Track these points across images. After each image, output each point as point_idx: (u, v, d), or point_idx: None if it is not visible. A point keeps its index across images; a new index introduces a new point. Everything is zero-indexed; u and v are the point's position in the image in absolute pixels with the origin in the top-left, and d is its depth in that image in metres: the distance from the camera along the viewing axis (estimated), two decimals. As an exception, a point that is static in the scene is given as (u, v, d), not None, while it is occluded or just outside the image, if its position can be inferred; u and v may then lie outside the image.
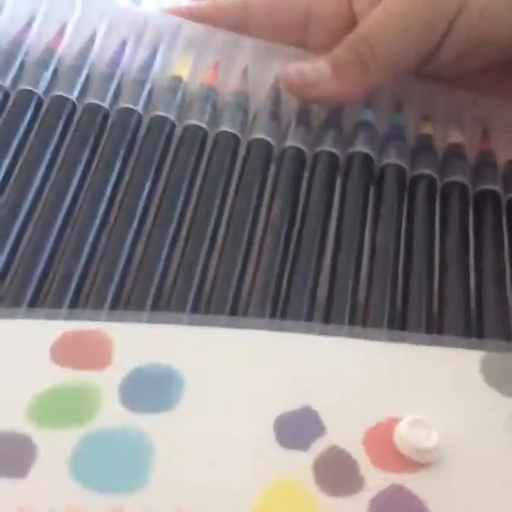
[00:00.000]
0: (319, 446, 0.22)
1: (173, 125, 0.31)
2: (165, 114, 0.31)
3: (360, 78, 0.33)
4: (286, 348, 0.24)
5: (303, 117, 0.33)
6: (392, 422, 0.22)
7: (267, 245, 0.28)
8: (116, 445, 0.22)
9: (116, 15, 0.34)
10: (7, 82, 0.31)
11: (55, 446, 0.21)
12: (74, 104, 0.31)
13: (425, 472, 0.22)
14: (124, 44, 0.33)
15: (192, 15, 0.35)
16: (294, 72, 0.33)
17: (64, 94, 0.31)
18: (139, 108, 0.31)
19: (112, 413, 0.22)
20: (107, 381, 0.23)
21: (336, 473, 0.21)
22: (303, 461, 0.21)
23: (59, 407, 0.22)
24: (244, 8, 0.35)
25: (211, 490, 0.21)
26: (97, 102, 0.31)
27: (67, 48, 0.33)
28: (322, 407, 0.23)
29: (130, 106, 0.31)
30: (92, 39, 0.33)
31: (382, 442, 0.22)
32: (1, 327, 0.24)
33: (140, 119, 0.31)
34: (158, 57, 0.33)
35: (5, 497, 0.20)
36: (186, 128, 0.31)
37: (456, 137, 0.34)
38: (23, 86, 0.31)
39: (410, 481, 0.21)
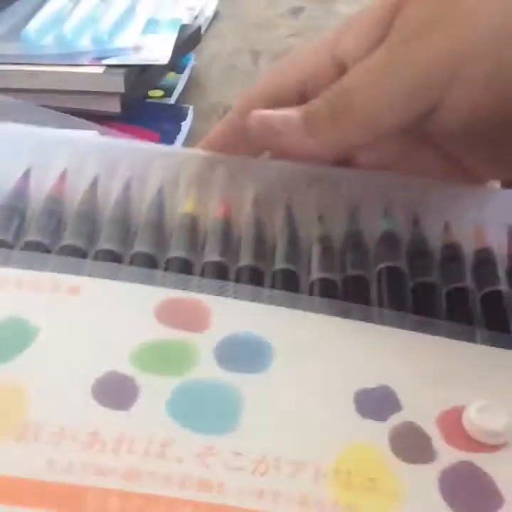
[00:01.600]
0: (396, 420, 0.25)
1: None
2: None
3: (334, 135, 0.30)
4: (374, 340, 0.27)
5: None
6: (462, 407, 0.25)
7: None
8: (210, 394, 0.25)
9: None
10: None
11: (155, 389, 0.25)
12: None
13: (495, 454, 0.24)
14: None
15: (210, 145, 0.33)
16: (257, 117, 0.30)
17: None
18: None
19: (207, 369, 0.26)
20: (205, 342, 0.26)
21: (410, 444, 0.24)
22: (380, 430, 0.24)
23: (160, 358, 0.26)
24: (241, 117, 0.32)
25: (295, 443, 0.24)
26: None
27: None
28: (399, 388, 0.25)
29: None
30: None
31: (453, 424, 0.24)
32: (115, 287, 0.28)
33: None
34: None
35: (108, 425, 0.23)
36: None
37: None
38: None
39: (480, 459, 0.24)
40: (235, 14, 0.72)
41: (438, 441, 0.24)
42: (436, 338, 0.27)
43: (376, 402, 0.25)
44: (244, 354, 0.26)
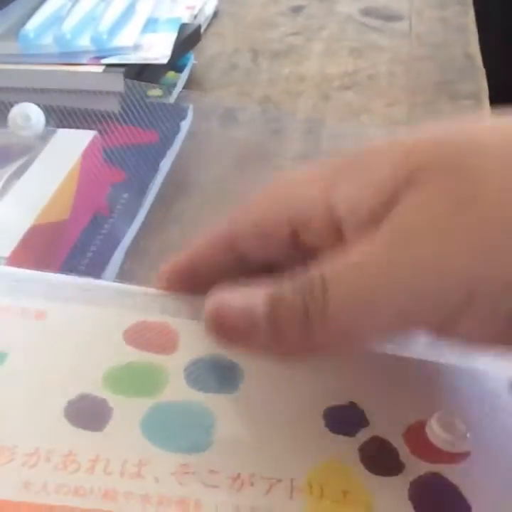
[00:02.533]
0: (364, 435, 0.25)
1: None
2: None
3: (301, 340, 0.24)
4: (341, 359, 0.28)
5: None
6: (425, 422, 0.26)
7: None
8: (183, 414, 0.25)
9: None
10: None
11: (128, 410, 0.25)
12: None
13: (460, 465, 0.25)
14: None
15: (191, 261, 0.29)
16: (213, 303, 0.25)
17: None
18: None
19: (178, 389, 0.26)
20: (174, 364, 0.27)
21: (379, 457, 0.25)
22: (350, 445, 0.25)
23: (131, 381, 0.26)
24: (231, 237, 0.28)
25: (269, 460, 0.24)
26: None
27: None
28: (366, 405, 0.26)
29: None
30: None
31: (418, 436, 0.25)
32: (83, 311, 0.28)
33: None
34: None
35: (83, 446, 0.24)
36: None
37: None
38: None
39: (447, 470, 0.25)
40: (235, 13, 0.72)
41: (405, 454, 0.25)
42: (399, 357, 0.28)
43: (345, 419, 0.26)
44: (213, 375, 0.27)
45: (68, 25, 0.54)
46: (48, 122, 0.42)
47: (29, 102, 0.43)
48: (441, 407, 0.26)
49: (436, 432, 0.25)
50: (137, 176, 0.46)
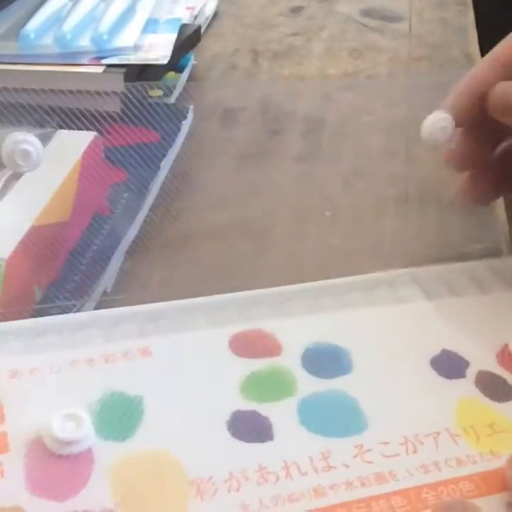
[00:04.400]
0: (472, 373, 0.29)
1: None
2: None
3: None
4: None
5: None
6: (507, 345, 0.31)
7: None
8: (331, 401, 0.27)
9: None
10: None
11: (282, 413, 0.27)
12: None
13: None
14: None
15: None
16: (500, 91, 0.32)
17: None
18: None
19: (308, 383, 0.28)
20: (290, 362, 0.29)
21: (494, 387, 0.29)
22: (466, 385, 0.29)
23: (266, 387, 0.28)
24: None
25: (417, 420, 0.27)
26: None
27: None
28: (463, 348, 0.30)
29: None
30: None
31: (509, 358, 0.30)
32: (182, 339, 0.30)
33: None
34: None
35: (268, 457, 0.25)
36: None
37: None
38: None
39: None
40: (235, 14, 0.72)
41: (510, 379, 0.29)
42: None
43: (449, 365, 0.29)
44: (327, 361, 0.29)
45: (68, 25, 0.54)
46: (48, 123, 0.42)
47: (29, 102, 0.43)
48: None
49: None
50: (138, 176, 0.46)
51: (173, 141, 0.50)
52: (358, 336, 0.30)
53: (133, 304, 0.32)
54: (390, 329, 0.31)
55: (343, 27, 0.70)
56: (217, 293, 0.33)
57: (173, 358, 0.28)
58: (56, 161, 0.40)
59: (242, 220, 0.44)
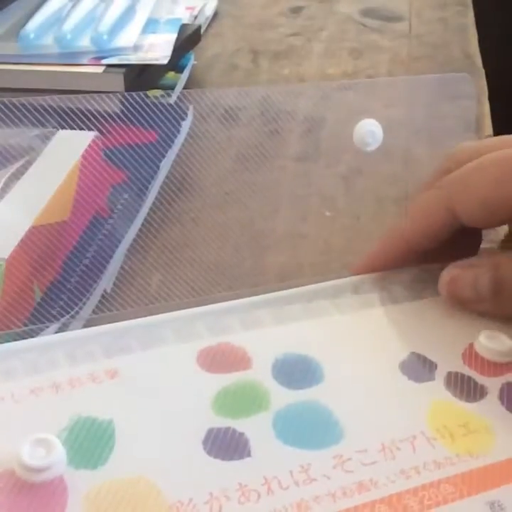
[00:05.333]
0: (441, 375, 0.29)
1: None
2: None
3: None
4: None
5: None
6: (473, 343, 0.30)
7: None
8: (307, 413, 0.27)
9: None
10: None
11: (256, 429, 0.26)
12: None
13: None
14: None
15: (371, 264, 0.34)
16: (445, 283, 0.32)
17: None
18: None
19: (281, 396, 0.27)
20: (261, 376, 0.28)
21: (463, 386, 0.29)
22: (435, 386, 0.29)
23: (237, 403, 0.27)
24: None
25: (391, 425, 0.27)
26: None
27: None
28: (428, 351, 0.30)
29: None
30: None
31: (474, 356, 0.30)
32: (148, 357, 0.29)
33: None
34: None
35: (247, 474, 0.24)
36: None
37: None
38: None
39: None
40: (235, 14, 0.72)
41: (476, 375, 0.29)
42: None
43: (418, 368, 0.29)
44: (297, 371, 0.28)
45: (68, 25, 0.54)
46: (48, 123, 0.43)
47: (29, 101, 0.43)
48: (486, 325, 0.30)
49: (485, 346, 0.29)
50: (137, 176, 0.46)
51: (173, 141, 0.50)
52: (326, 345, 0.30)
53: (132, 305, 0.32)
54: (357, 336, 0.31)
55: (342, 27, 0.70)
56: (218, 293, 0.33)
57: (141, 378, 0.27)
58: (56, 160, 0.40)
59: (242, 220, 0.44)
